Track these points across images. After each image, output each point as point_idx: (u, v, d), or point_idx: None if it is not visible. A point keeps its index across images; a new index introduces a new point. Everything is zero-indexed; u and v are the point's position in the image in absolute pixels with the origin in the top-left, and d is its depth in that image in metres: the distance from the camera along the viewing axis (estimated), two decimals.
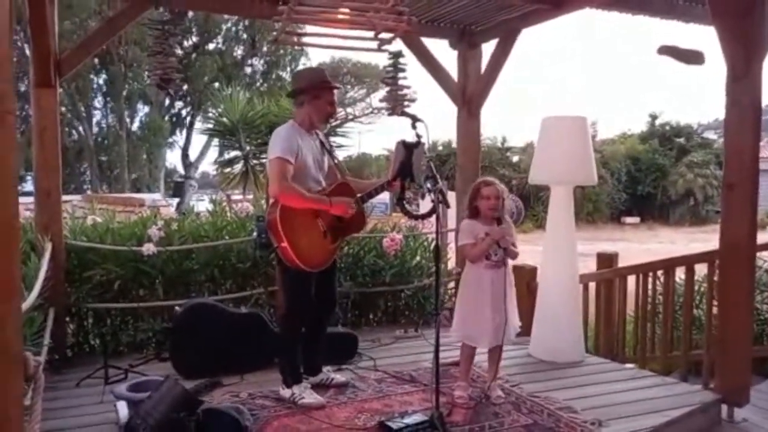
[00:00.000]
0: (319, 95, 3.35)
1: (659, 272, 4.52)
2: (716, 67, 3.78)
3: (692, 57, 4.94)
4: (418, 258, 5.31)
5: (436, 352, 2.97)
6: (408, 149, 3.24)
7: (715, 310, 3.90)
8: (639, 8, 4.74)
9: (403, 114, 3.43)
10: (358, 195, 3.44)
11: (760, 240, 3.92)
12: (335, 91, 3.48)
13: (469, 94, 5.29)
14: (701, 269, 4.32)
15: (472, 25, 5.15)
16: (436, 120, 3.23)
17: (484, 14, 4.85)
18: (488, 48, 5.19)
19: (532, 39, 5.45)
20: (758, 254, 4.43)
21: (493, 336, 3.36)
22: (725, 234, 3.59)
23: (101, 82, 24.46)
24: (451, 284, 5.32)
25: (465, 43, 5.25)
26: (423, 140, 3.17)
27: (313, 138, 3.43)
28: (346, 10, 3.31)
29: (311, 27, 3.54)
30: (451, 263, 5.37)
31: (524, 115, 55.25)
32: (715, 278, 3.96)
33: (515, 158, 25.13)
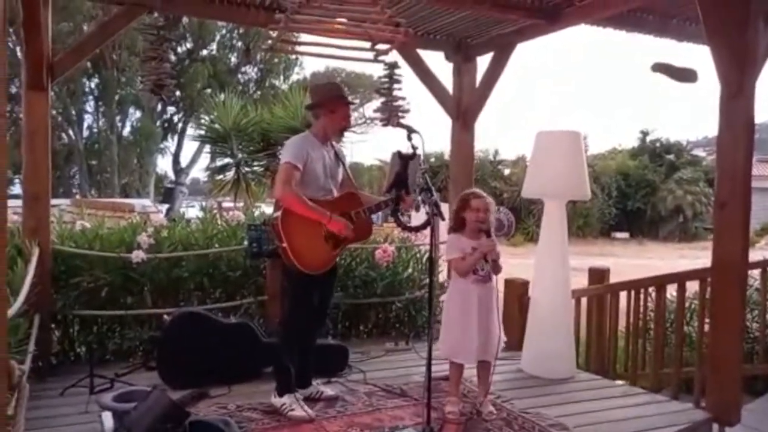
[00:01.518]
0: (334, 110, 3.45)
1: (651, 289, 4.52)
2: (708, 84, 3.80)
3: (685, 75, 5.00)
4: (410, 270, 5.27)
5: (428, 366, 2.94)
6: (404, 160, 3.24)
7: (706, 327, 3.90)
8: (633, 26, 4.78)
9: (399, 125, 3.44)
10: (365, 207, 3.45)
11: (751, 258, 3.94)
12: (350, 106, 3.59)
13: (464, 107, 5.30)
14: (693, 286, 4.32)
15: (468, 38, 5.18)
16: (428, 131, 3.25)
17: (479, 28, 4.88)
18: (484, 61, 5.22)
19: (526, 53, 5.48)
20: (749, 272, 4.44)
21: (479, 353, 3.30)
22: (717, 252, 3.59)
23: (93, 86, 24.36)
24: (443, 297, 5.28)
25: (461, 55, 5.27)
26: (419, 152, 3.17)
27: (327, 149, 3.49)
28: (343, 20, 3.30)
29: (307, 36, 3.53)
30: (443, 276, 5.34)
31: (516, 128, 55.59)
32: (707, 296, 3.96)
33: (507, 171, 25.19)
